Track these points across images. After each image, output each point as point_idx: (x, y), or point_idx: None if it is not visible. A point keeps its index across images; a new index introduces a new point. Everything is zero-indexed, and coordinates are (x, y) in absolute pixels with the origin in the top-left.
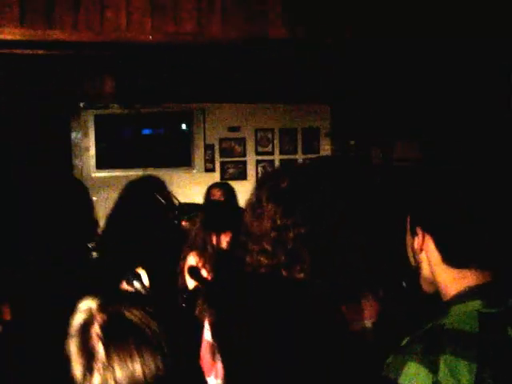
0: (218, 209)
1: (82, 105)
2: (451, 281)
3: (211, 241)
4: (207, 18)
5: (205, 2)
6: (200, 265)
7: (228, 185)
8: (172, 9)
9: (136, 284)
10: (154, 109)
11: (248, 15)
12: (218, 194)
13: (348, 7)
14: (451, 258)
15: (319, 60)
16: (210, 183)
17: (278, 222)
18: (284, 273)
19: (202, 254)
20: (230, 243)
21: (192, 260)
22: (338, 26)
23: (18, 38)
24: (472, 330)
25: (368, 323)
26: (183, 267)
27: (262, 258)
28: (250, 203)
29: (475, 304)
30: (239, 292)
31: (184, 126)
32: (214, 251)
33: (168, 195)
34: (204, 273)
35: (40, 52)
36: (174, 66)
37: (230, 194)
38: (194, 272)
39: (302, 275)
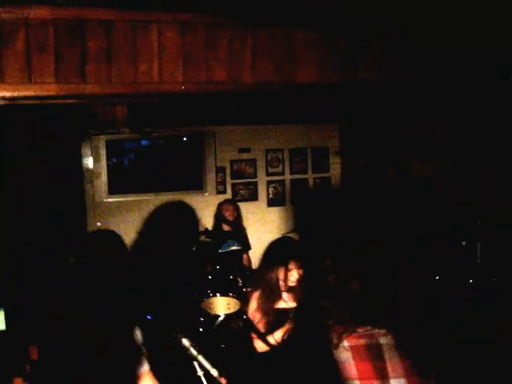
0: (284, 243)
1: (92, 131)
2: None
3: (278, 278)
4: (238, 66)
5: (235, 51)
6: (261, 307)
7: (235, 202)
8: (203, 59)
9: (185, 342)
10: (165, 133)
11: (277, 61)
12: (230, 209)
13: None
14: None
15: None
16: None
17: None
18: None
19: (266, 295)
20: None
21: (254, 302)
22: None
23: (53, 93)
24: None
25: None
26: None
27: None
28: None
29: None
30: None
31: (195, 149)
32: (280, 290)
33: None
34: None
35: (71, 101)
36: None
37: (239, 210)
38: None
39: None
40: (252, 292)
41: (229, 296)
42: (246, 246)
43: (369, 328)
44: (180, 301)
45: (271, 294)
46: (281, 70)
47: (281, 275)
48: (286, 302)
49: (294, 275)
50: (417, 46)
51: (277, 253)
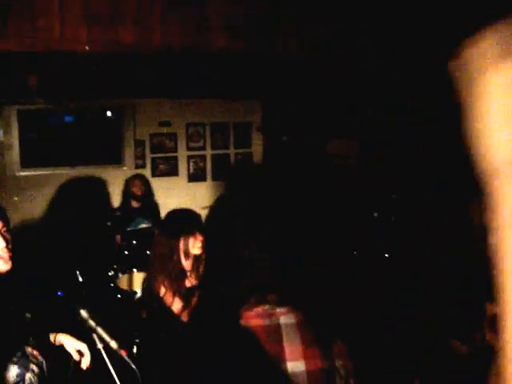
0: (181, 212)
1: (2, 100)
2: None
3: (178, 248)
4: (147, 28)
5: (144, 11)
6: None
7: (145, 176)
8: (109, 19)
9: (83, 313)
10: (82, 104)
11: (188, 25)
12: (137, 184)
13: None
14: None
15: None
16: None
17: None
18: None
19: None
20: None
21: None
22: (274, 38)
23: None
24: None
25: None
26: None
27: None
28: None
29: None
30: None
31: (114, 122)
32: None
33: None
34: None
35: None
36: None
37: (149, 184)
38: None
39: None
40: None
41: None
42: (158, 222)
43: (269, 307)
44: (95, 278)
45: (174, 268)
46: (191, 34)
47: (183, 245)
48: (190, 278)
49: (198, 244)
50: (335, 19)
51: (179, 222)
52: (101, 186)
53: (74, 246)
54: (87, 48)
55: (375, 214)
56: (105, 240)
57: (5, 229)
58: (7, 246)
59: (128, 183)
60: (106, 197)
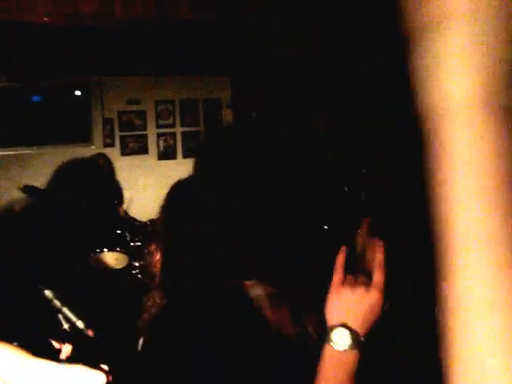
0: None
1: None
2: None
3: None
4: None
5: None
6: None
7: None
8: None
9: (48, 293)
10: (48, 82)
11: None
12: (101, 163)
13: None
14: None
15: (221, 36)
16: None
17: None
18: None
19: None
20: None
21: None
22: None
23: None
24: None
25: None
26: None
27: None
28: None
29: None
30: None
31: (81, 100)
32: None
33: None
34: None
35: None
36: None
37: (111, 163)
38: None
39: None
40: (153, 244)
41: (117, 251)
42: (120, 200)
43: (236, 282)
44: (67, 258)
45: None
46: (154, 4)
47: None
48: None
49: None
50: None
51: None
52: (69, 165)
53: (51, 228)
54: (46, 19)
55: (345, 189)
56: (77, 220)
57: None
58: None
59: (92, 162)
60: (75, 176)
